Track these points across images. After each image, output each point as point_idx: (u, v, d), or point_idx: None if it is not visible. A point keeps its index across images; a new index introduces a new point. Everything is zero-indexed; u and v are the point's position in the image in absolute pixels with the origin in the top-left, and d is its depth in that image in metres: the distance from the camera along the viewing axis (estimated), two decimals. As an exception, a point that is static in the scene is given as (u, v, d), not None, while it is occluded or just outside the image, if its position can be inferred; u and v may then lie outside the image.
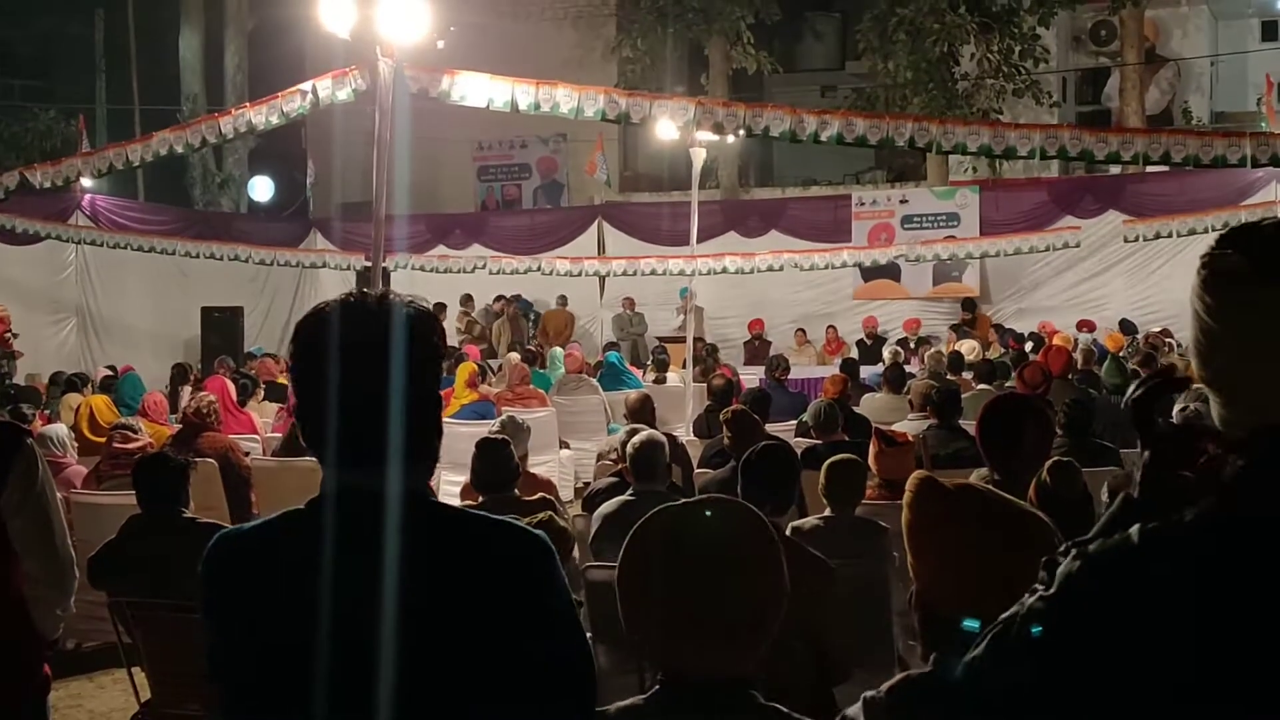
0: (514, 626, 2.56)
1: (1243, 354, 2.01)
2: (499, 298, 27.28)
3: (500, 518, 2.71)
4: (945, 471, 8.90)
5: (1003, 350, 20.61)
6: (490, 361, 21.60)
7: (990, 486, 3.04)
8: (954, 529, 2.88)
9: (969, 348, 19.82)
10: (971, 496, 2.95)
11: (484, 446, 8.10)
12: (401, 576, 2.53)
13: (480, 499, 7.91)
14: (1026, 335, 21.87)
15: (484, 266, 24.08)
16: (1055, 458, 6.15)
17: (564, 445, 16.11)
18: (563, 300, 27.86)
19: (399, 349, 2.64)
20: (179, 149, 15.05)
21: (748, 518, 2.74)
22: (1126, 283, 25.14)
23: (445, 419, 10.77)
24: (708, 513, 2.73)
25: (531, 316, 28.10)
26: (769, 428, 11.12)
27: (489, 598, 2.56)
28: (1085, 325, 22.71)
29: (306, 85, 13.55)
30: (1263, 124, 23.28)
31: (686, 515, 2.74)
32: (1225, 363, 2.05)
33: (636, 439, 8.20)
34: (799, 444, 10.80)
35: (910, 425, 11.02)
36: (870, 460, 8.53)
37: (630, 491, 8.06)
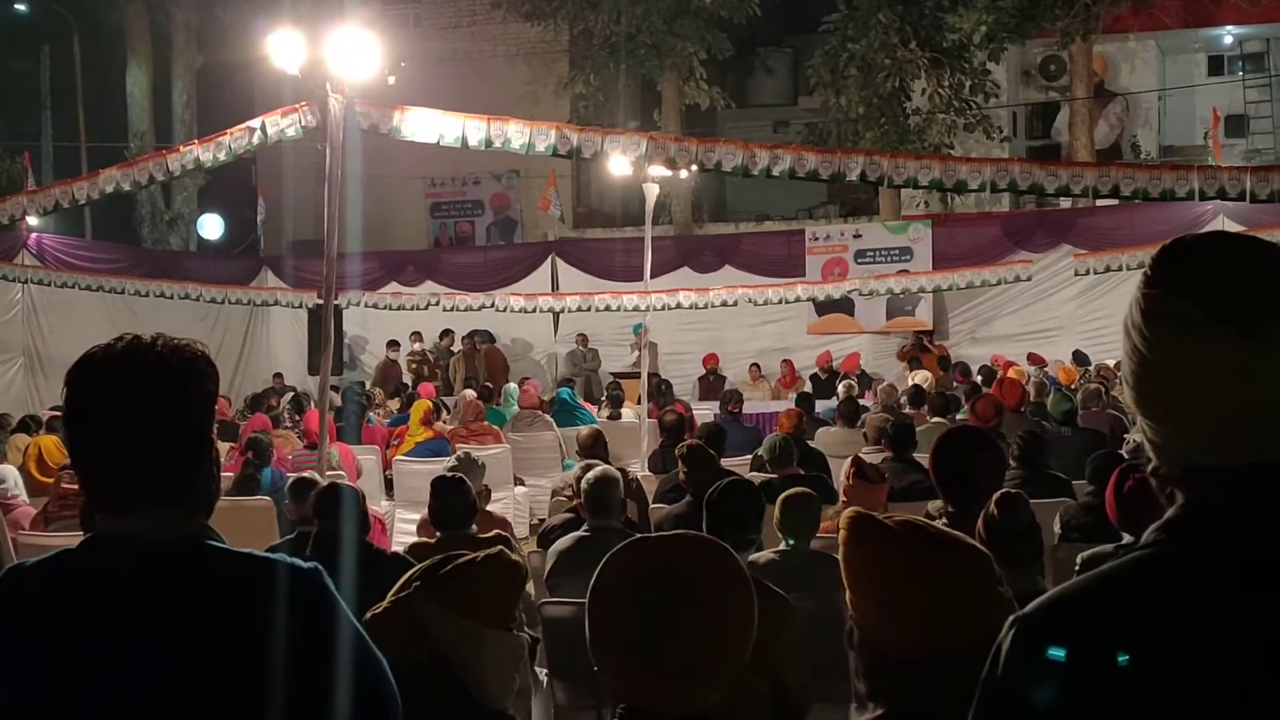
0: (294, 666, 2.52)
1: (1184, 393, 1.96)
2: (445, 332, 27.20)
3: (274, 556, 2.65)
4: (900, 505, 8.96)
5: (959, 382, 20.68)
6: (445, 399, 21.59)
7: (926, 520, 3.03)
8: (892, 565, 2.85)
9: (921, 378, 19.88)
10: (909, 531, 2.91)
11: (440, 485, 8.11)
12: (157, 625, 2.50)
13: (437, 537, 7.92)
14: (977, 369, 21.94)
15: (437, 303, 24.04)
16: (1004, 489, 6.18)
17: (519, 482, 16.09)
18: (488, 337, 27.80)
19: (168, 391, 2.63)
20: (126, 186, 15.00)
21: (720, 554, 2.70)
22: (1078, 315, 25.27)
23: (399, 457, 10.75)
24: (679, 547, 2.70)
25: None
26: (724, 462, 11.13)
27: (260, 640, 2.51)
28: (1036, 360, 22.81)
29: (255, 122, 13.53)
30: (1209, 158, 23.49)
31: (659, 549, 2.71)
32: (1163, 398, 2.00)
33: (591, 475, 8.22)
34: (754, 478, 10.83)
35: (865, 459, 11.07)
36: (841, 490, 8.55)
37: (585, 527, 8.08)
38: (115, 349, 2.68)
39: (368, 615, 3.80)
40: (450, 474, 8.55)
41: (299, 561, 2.64)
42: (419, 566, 4.15)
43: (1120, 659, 1.86)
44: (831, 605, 6.91)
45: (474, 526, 8.04)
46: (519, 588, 4.19)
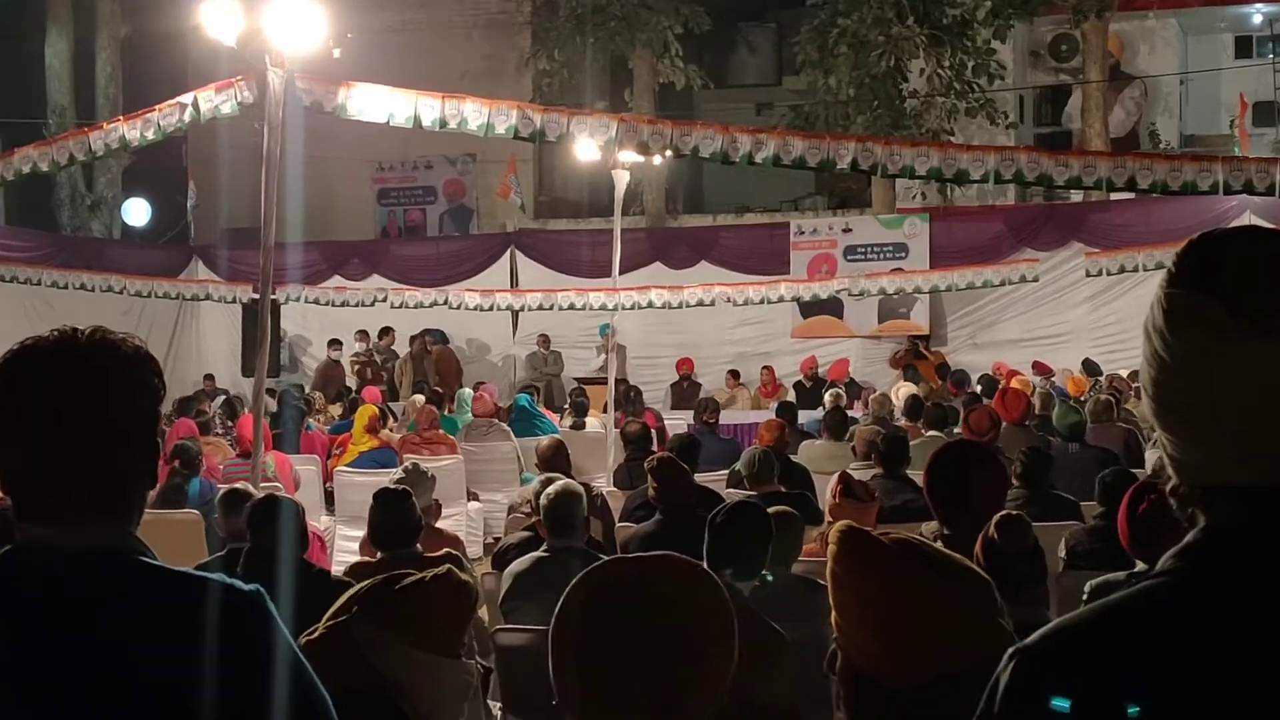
0: (231, 698, 2.50)
1: (1208, 402, 1.91)
2: (385, 330, 27.07)
3: (211, 575, 2.63)
4: (892, 525, 8.96)
5: (953, 394, 20.70)
6: (392, 404, 21.56)
7: (927, 540, 3.04)
8: (886, 585, 2.85)
9: (916, 387, 19.91)
10: (905, 550, 2.92)
11: (382, 498, 8.11)
12: (77, 647, 2.49)
13: (379, 556, 7.91)
14: (977, 378, 21.95)
15: (385, 299, 24.00)
16: (1005, 510, 6.21)
17: (472, 497, 16.07)
18: (441, 338, 27.78)
19: (105, 389, 2.62)
20: (44, 167, 14.94)
21: (696, 576, 2.71)
22: (1089, 321, 25.33)
23: (341, 468, 10.73)
24: (651, 569, 2.69)
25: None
26: (698, 478, 11.14)
27: (194, 667, 2.48)
28: (1041, 368, 22.80)
29: (186, 97, 13.50)
30: (1235, 148, 23.59)
31: (631, 570, 2.70)
32: (1186, 408, 1.94)
33: (551, 490, 8.21)
34: (730, 495, 10.84)
35: (854, 475, 11.09)
36: (827, 509, 8.57)
37: (544, 548, 8.07)
38: (46, 342, 2.65)
39: (301, 640, 3.78)
40: (395, 486, 8.55)
41: (239, 583, 2.62)
42: (358, 588, 4.14)
43: (1130, 711, 1.82)
44: (816, 637, 6.92)
45: (420, 545, 8.05)
46: (468, 611, 4.20)
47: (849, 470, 9.86)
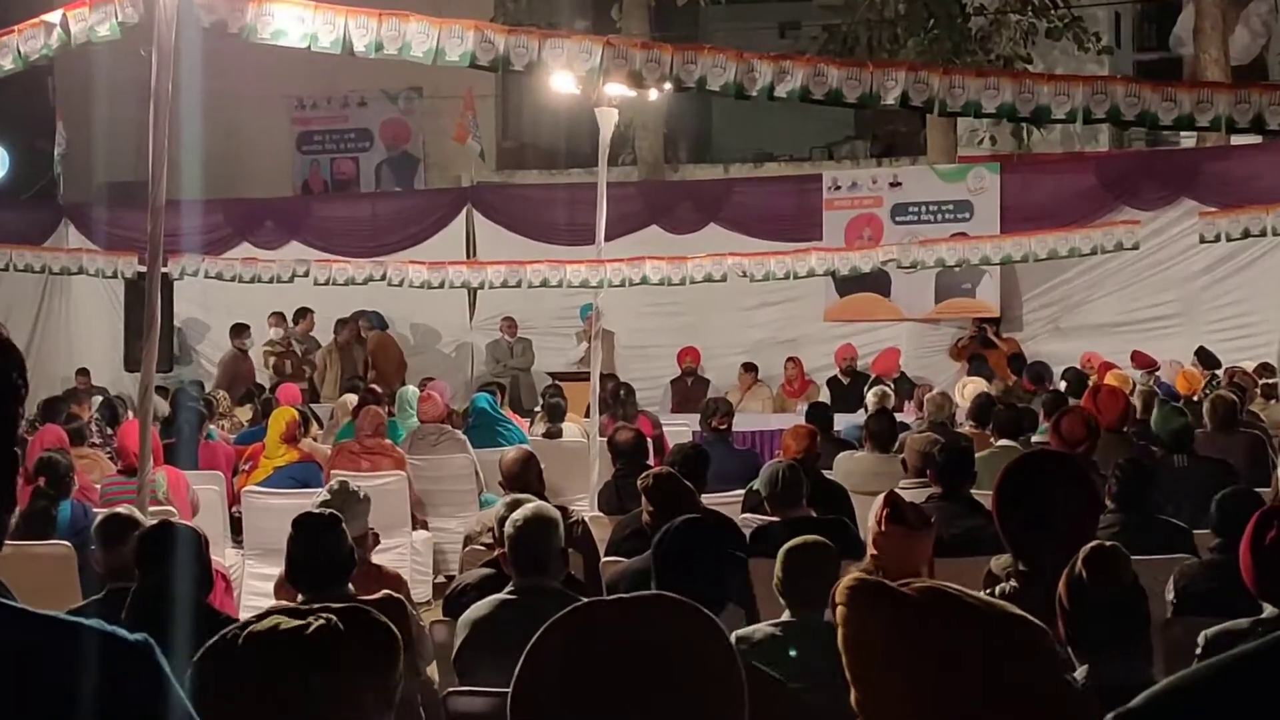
0: None
1: None
2: (302, 312, 26.99)
3: (86, 621, 2.57)
4: (952, 560, 8.98)
5: (1030, 392, 20.73)
6: (316, 406, 21.57)
7: (962, 589, 2.98)
8: (910, 650, 2.83)
9: (983, 384, 19.90)
10: (933, 600, 2.89)
11: (304, 527, 8.11)
12: None
13: (300, 599, 7.90)
14: (1061, 373, 21.94)
15: (306, 274, 23.94)
16: (1096, 541, 6.21)
17: (419, 524, 16.08)
18: (379, 322, 27.69)
19: None
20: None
21: (699, 625, 2.69)
22: (1204, 299, 25.29)
23: (252, 487, 10.77)
24: (644, 615, 2.68)
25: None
26: (706, 499, 11.17)
27: None
28: (1143, 360, 22.76)
29: (53, 16, 13.45)
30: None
31: (616, 617, 2.70)
32: None
33: (518, 515, 8.22)
34: (748, 521, 10.88)
35: (904, 497, 11.09)
36: (870, 540, 8.55)
37: (510, 588, 8.08)
38: None
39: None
40: (320, 511, 8.55)
41: (121, 631, 2.57)
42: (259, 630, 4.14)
43: None
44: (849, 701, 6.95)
45: (352, 586, 8.04)
46: (394, 663, 4.18)
47: (898, 489, 9.87)
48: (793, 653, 6.75)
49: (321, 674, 3.61)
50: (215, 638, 3.81)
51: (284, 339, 26.97)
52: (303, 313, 27.08)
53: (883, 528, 8.51)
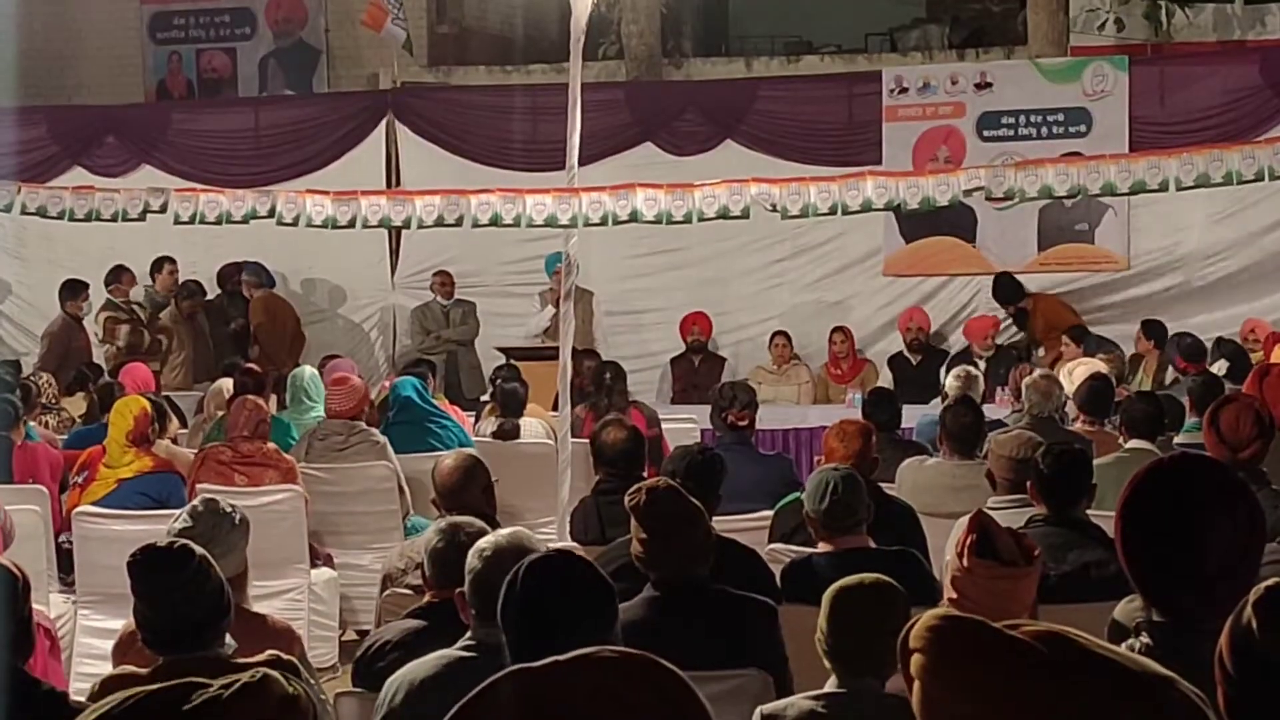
0: None
1: None
2: (161, 262, 26.82)
3: None
4: (1059, 607, 8.99)
5: (1175, 374, 20.75)
6: (175, 395, 21.58)
7: (1092, 638, 2.96)
8: (1017, 713, 2.83)
9: (1096, 368, 19.84)
10: (1055, 650, 2.88)
11: (153, 563, 8.07)
12: None
13: (153, 665, 7.89)
14: (1214, 346, 21.92)
15: (164, 208, 23.89)
16: (1273, 581, 6.20)
17: (320, 559, 16.10)
18: (266, 278, 27.49)
19: None
20: None
21: (676, 691, 2.74)
22: None
23: (87, 507, 10.95)
24: (614, 684, 2.71)
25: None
26: (719, 523, 11.15)
27: None
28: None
29: None
30: None
31: (576, 681, 2.72)
32: None
33: (486, 544, 8.20)
34: (778, 554, 10.87)
35: (995, 519, 11.07)
36: (947, 579, 8.51)
37: (467, 640, 8.05)
38: None
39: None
40: (177, 541, 8.52)
41: None
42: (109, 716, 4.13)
43: None
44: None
45: (228, 643, 8.02)
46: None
47: (987, 509, 9.85)
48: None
49: None
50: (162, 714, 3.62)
51: (128, 303, 26.90)
52: (159, 264, 26.92)
53: (966, 563, 8.46)
